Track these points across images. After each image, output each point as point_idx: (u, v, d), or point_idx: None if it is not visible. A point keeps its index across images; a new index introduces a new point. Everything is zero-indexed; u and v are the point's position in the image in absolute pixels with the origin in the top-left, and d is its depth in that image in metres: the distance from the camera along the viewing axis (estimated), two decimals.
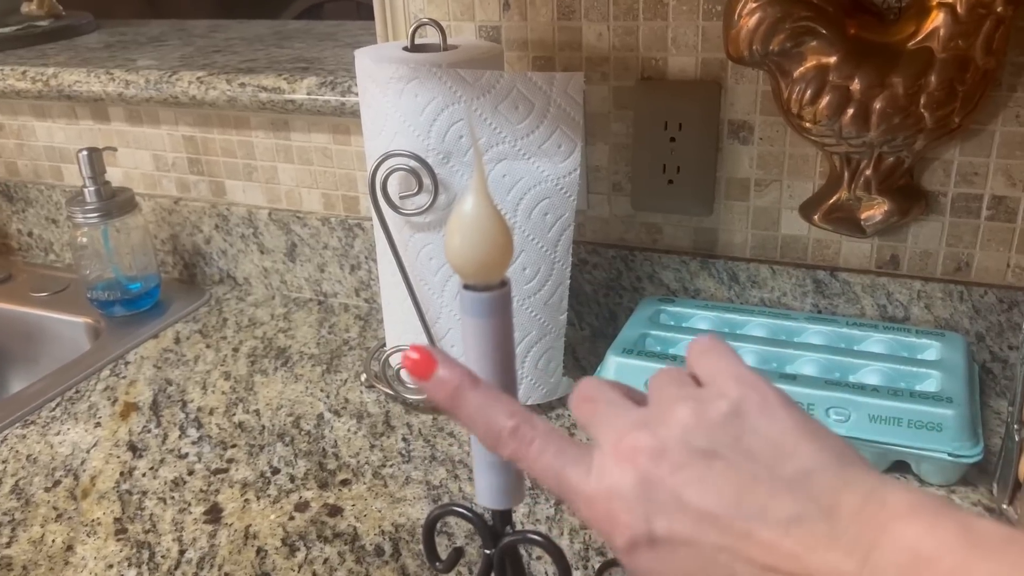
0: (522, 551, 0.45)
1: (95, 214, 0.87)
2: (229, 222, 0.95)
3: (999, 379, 0.69)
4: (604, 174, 0.76)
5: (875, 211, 0.66)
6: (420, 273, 0.67)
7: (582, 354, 0.80)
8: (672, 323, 0.73)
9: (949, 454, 0.58)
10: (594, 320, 0.82)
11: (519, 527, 0.56)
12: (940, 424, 0.58)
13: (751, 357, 0.67)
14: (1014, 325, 0.67)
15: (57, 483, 0.66)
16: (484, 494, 0.35)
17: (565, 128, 0.64)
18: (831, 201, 0.68)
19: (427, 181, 0.63)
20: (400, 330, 0.71)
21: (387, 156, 0.63)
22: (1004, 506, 0.57)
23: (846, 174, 0.66)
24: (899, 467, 0.61)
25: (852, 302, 0.71)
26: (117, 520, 0.62)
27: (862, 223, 0.67)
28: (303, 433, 0.71)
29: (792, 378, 0.63)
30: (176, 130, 0.94)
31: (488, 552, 0.36)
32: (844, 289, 0.71)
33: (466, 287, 0.32)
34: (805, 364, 0.66)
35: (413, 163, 0.63)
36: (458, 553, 0.38)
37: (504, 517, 0.36)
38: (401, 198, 0.65)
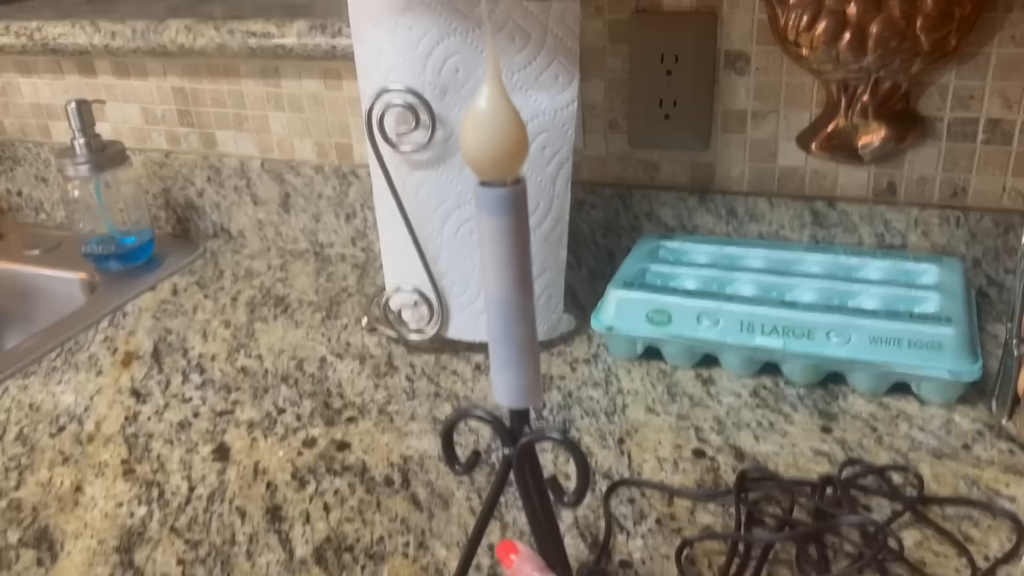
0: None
1: (86, 167, 0.86)
2: (221, 174, 0.94)
3: (995, 303, 0.70)
4: (600, 111, 0.76)
5: (872, 137, 0.67)
6: (419, 212, 0.67)
7: (581, 294, 0.80)
8: (671, 258, 0.73)
9: (949, 372, 0.58)
10: (592, 261, 0.82)
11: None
12: (940, 343, 0.59)
13: (750, 286, 0.68)
14: (1010, 248, 0.67)
15: (62, 429, 0.66)
16: (503, 394, 0.35)
17: (562, 59, 0.63)
18: (828, 129, 0.68)
19: (424, 117, 0.63)
20: (400, 272, 0.71)
21: (383, 92, 0.63)
22: (1004, 422, 0.58)
23: (843, 101, 0.66)
24: (900, 388, 0.62)
25: (850, 231, 0.72)
26: (124, 462, 0.62)
27: (859, 150, 0.67)
28: (306, 376, 0.71)
29: (792, 305, 0.63)
30: (164, 81, 0.93)
31: (507, 452, 0.36)
32: (842, 219, 0.72)
33: (482, 184, 0.32)
34: (804, 292, 0.66)
35: (409, 98, 0.63)
36: (476, 456, 0.39)
37: (521, 417, 0.36)
38: (398, 135, 0.64)
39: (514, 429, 0.36)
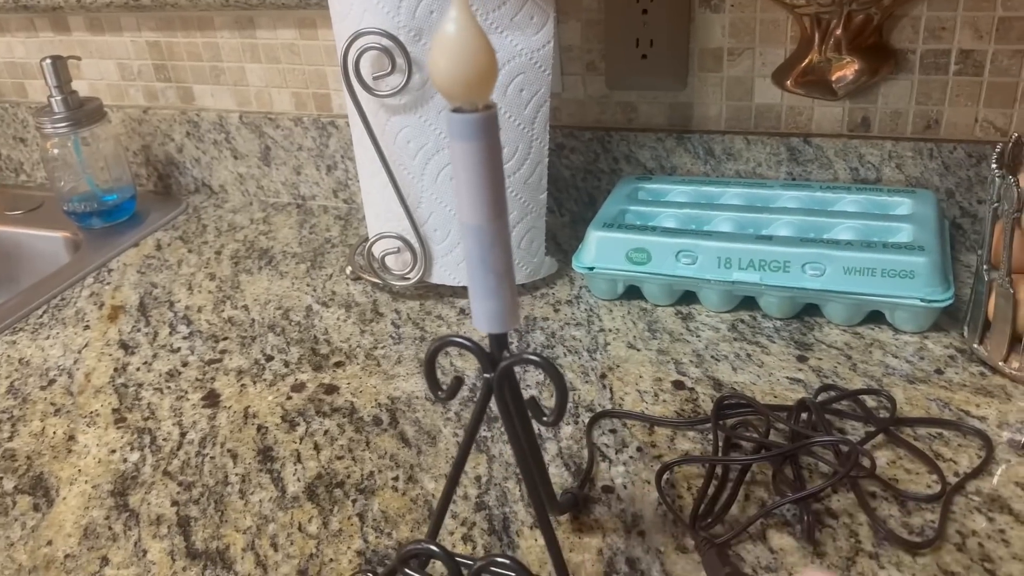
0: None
1: (64, 124, 0.86)
2: (200, 128, 0.94)
3: (968, 234, 0.71)
4: (577, 53, 0.76)
5: (845, 71, 0.67)
6: (399, 158, 0.67)
7: (563, 239, 0.81)
8: (650, 199, 0.74)
9: (922, 300, 0.60)
10: (573, 205, 0.83)
11: None
12: (912, 272, 0.60)
13: (727, 224, 0.69)
14: (982, 179, 0.69)
15: (52, 382, 0.67)
16: (481, 319, 0.36)
17: None
18: (803, 65, 0.68)
19: (400, 60, 0.63)
20: (383, 219, 0.72)
21: (357, 35, 0.63)
22: (975, 346, 0.59)
23: (816, 36, 0.67)
24: (874, 317, 0.63)
25: (825, 167, 0.73)
26: (115, 411, 0.63)
27: (833, 84, 0.68)
28: (293, 324, 0.72)
29: (768, 239, 0.64)
30: (139, 36, 0.92)
31: (488, 376, 0.37)
32: (817, 155, 0.72)
33: (454, 110, 0.32)
34: (781, 227, 0.67)
35: (384, 41, 0.63)
36: (458, 382, 0.40)
37: (500, 342, 0.37)
38: (375, 79, 0.64)
39: (494, 354, 0.37)
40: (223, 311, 0.74)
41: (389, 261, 0.72)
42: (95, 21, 0.93)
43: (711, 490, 0.49)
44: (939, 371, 0.58)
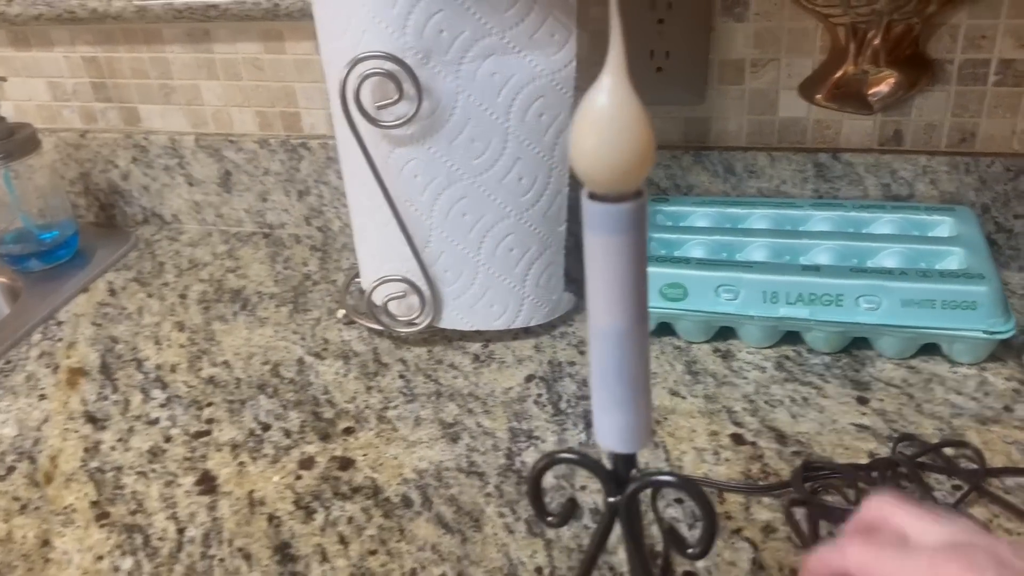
0: None
1: None
2: (149, 153, 0.84)
3: (1004, 250, 0.68)
4: (584, 66, 0.69)
5: (883, 84, 0.63)
6: (404, 193, 0.60)
7: (572, 265, 0.74)
8: (670, 223, 0.69)
9: (984, 332, 0.56)
10: (579, 228, 0.77)
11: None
12: (975, 303, 0.56)
13: (762, 251, 0.64)
14: (1020, 193, 0.65)
15: (11, 469, 0.57)
16: (610, 437, 0.30)
17: (558, 14, 0.56)
18: (835, 77, 0.64)
19: (407, 86, 0.56)
20: (381, 259, 0.64)
21: (358, 60, 0.55)
22: None
23: (852, 47, 0.62)
24: (928, 349, 0.59)
25: (855, 184, 0.68)
26: (95, 504, 0.54)
27: (869, 98, 0.63)
28: (286, 382, 0.63)
29: (816, 269, 0.59)
30: (74, 51, 0.81)
31: (612, 500, 0.31)
32: (846, 171, 0.68)
33: (592, 197, 0.26)
34: (820, 253, 0.63)
35: (389, 66, 0.55)
36: (572, 505, 0.33)
37: (628, 461, 0.31)
38: (378, 108, 0.57)
39: (620, 474, 0.31)
40: (201, 369, 0.66)
41: (392, 305, 0.64)
42: (20, 35, 0.82)
43: None
44: (1008, 408, 0.55)
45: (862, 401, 0.56)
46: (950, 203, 0.67)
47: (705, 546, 0.30)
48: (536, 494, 0.33)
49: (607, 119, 0.24)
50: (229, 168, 0.83)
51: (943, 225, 0.64)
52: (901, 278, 0.57)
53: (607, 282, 0.27)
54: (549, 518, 0.33)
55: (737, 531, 0.48)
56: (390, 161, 0.59)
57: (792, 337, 0.62)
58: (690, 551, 0.31)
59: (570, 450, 0.32)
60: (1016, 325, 0.57)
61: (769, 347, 0.62)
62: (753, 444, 0.54)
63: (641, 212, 0.26)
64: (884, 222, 0.65)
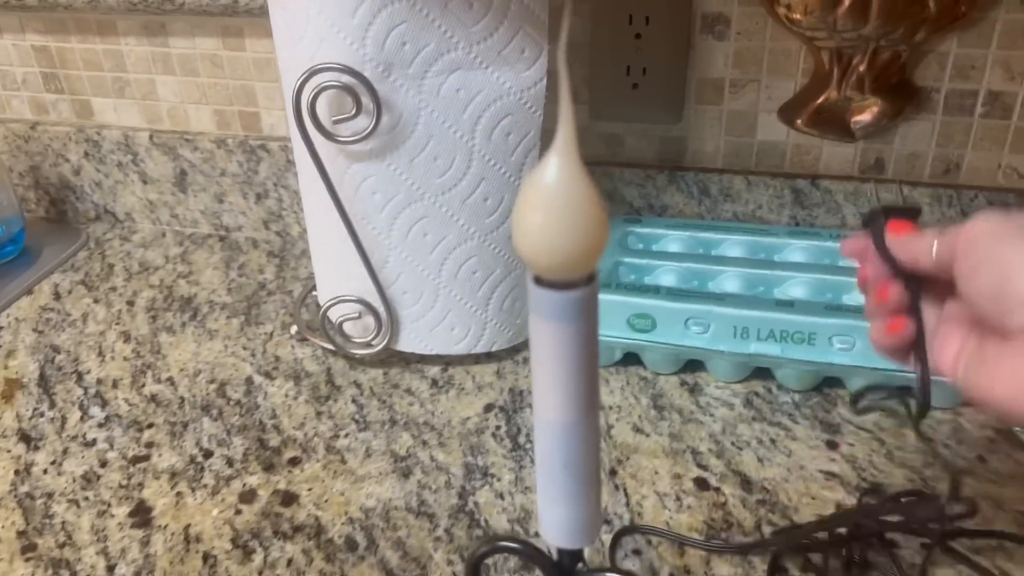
0: None
1: None
2: (101, 148, 0.80)
3: None
4: (556, 79, 0.67)
5: (867, 113, 0.60)
6: (361, 211, 0.57)
7: None
8: (641, 246, 0.66)
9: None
10: None
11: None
12: None
13: (734, 281, 0.61)
14: None
15: None
16: (555, 532, 0.27)
17: (528, 29, 0.53)
18: (817, 102, 0.61)
19: (366, 100, 0.52)
20: (337, 278, 0.61)
21: (313, 71, 0.52)
22: (1015, 429, 0.54)
23: (835, 72, 0.59)
24: (902, 391, 0.57)
25: (833, 212, 0.66)
26: (21, 534, 0.51)
27: (852, 126, 0.61)
28: (232, 403, 0.60)
29: (789, 305, 0.57)
30: (23, 39, 0.77)
31: None
32: (825, 198, 0.65)
33: (538, 282, 0.23)
34: (795, 286, 0.60)
35: (347, 79, 0.52)
36: None
37: (575, 555, 0.28)
38: (334, 122, 0.53)
39: (565, 568, 0.28)
40: (144, 386, 0.62)
41: (347, 327, 0.61)
42: None
43: None
44: (982, 458, 0.53)
45: (831, 446, 0.54)
46: None
47: None
48: None
49: (558, 202, 0.21)
50: (185, 167, 0.79)
51: None
52: None
53: (554, 372, 0.24)
54: None
55: None
56: (347, 177, 0.56)
57: (762, 372, 0.59)
58: None
59: (513, 539, 0.29)
60: None
61: (738, 382, 0.59)
62: (717, 490, 0.51)
63: (593, 299, 0.23)
64: None
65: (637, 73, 0.64)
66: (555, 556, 0.29)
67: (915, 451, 0.53)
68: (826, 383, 0.59)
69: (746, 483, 0.52)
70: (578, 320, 0.23)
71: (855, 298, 0.59)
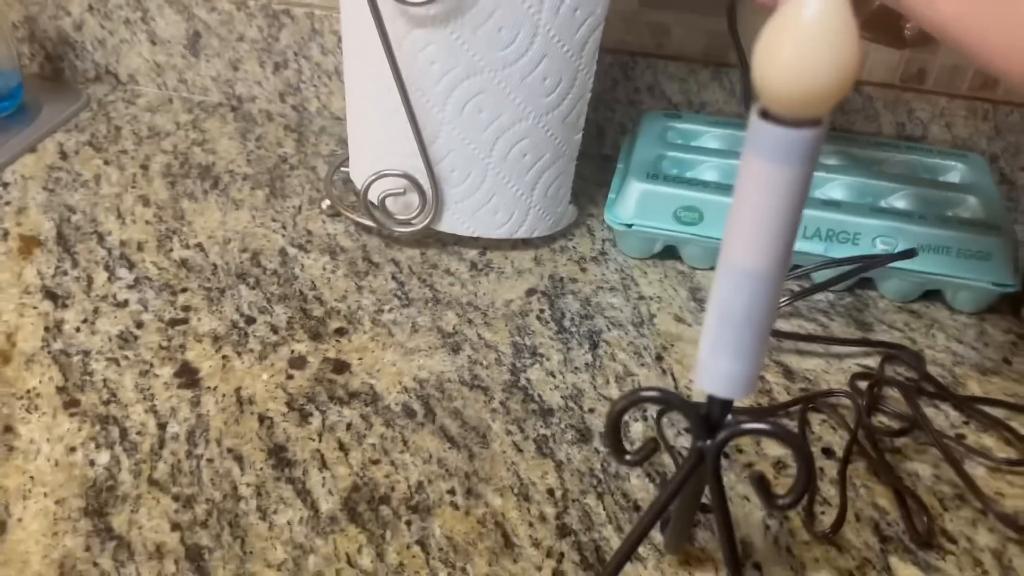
0: None
1: None
2: (107, 4, 0.75)
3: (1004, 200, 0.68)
4: None
5: None
6: (417, 81, 0.55)
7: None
8: (680, 141, 0.66)
9: (994, 283, 0.56)
10: (587, 139, 0.73)
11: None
12: (989, 253, 0.56)
13: None
14: None
15: None
16: (715, 379, 0.27)
17: None
18: (875, 6, 0.61)
19: None
20: (380, 150, 0.60)
21: None
22: None
23: None
24: (930, 295, 0.59)
25: (871, 119, 0.67)
26: (61, 389, 0.49)
27: (906, 31, 0.61)
28: (268, 273, 0.59)
29: (836, 205, 0.58)
30: None
31: (701, 444, 0.29)
32: (865, 105, 0.66)
33: (767, 117, 0.23)
34: (836, 188, 0.61)
35: None
36: (655, 444, 0.31)
37: (725, 406, 0.29)
38: None
39: (714, 418, 0.29)
40: (171, 251, 0.61)
41: (388, 202, 0.60)
42: None
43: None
44: (1007, 360, 0.55)
45: (866, 343, 0.56)
46: (961, 148, 0.66)
47: (796, 498, 0.29)
48: (615, 431, 0.30)
49: (814, 35, 0.21)
50: (199, 28, 0.75)
51: (954, 171, 0.63)
52: (920, 222, 0.56)
53: (760, 218, 0.24)
54: (628, 455, 0.31)
55: (748, 465, 0.47)
56: (405, 44, 0.54)
57: (797, 270, 0.60)
58: (780, 502, 0.30)
59: (656, 388, 0.29)
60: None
61: None
62: (761, 378, 0.53)
63: (819, 143, 0.23)
64: (896, 162, 0.64)
65: None
66: (702, 409, 0.29)
67: (944, 350, 0.55)
68: (858, 284, 0.60)
69: (788, 372, 0.53)
70: (803, 163, 0.23)
71: (892, 203, 0.60)
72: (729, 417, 0.29)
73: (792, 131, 0.23)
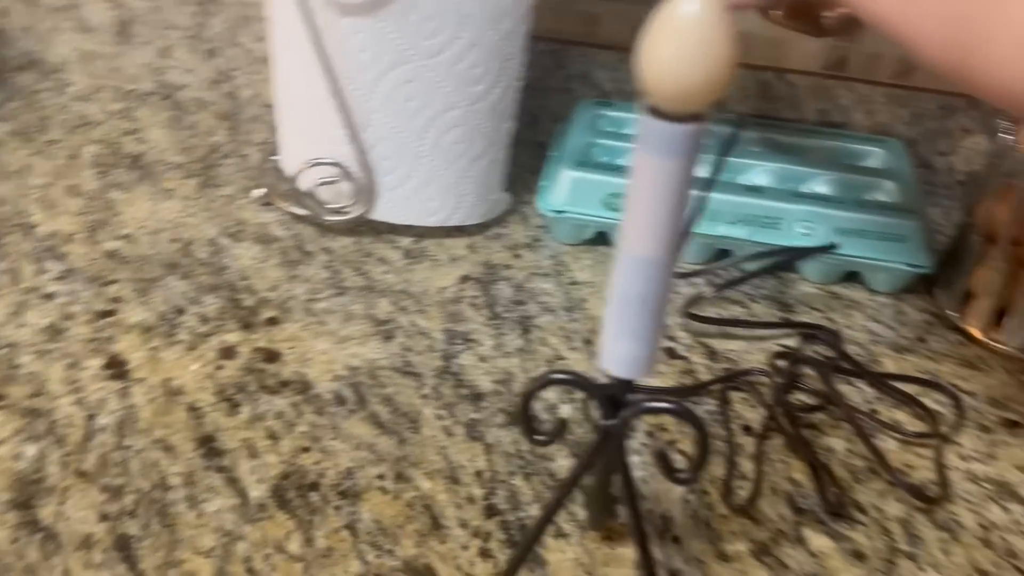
0: None
1: None
2: None
3: (921, 184, 0.70)
4: None
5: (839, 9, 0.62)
6: (346, 70, 0.55)
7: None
8: (611, 129, 0.67)
9: (908, 265, 0.58)
10: (521, 127, 0.74)
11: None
12: (904, 236, 0.58)
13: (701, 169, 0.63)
14: (948, 132, 0.67)
15: None
16: (616, 361, 0.29)
17: None
18: None
19: None
20: (309, 139, 0.60)
21: None
22: (950, 312, 0.59)
23: None
24: (849, 276, 0.61)
25: (795, 106, 0.69)
26: None
27: (822, 20, 0.63)
28: (199, 263, 0.59)
29: (758, 190, 0.60)
30: None
31: (606, 423, 0.30)
32: (789, 92, 0.68)
33: (654, 112, 0.24)
34: (759, 174, 0.63)
35: None
36: (563, 425, 0.32)
37: (627, 385, 0.30)
38: None
39: (618, 397, 0.30)
40: (100, 242, 0.60)
41: (324, 191, 0.60)
42: None
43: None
44: (922, 339, 0.58)
45: (787, 324, 0.58)
46: (881, 135, 0.68)
47: (694, 469, 0.30)
48: (526, 411, 0.32)
49: (693, 31, 0.22)
50: (126, 16, 0.74)
51: (872, 156, 0.65)
52: (839, 206, 0.58)
53: (650, 209, 0.25)
54: (536, 436, 0.32)
55: (671, 443, 0.49)
56: (334, 32, 0.54)
57: (723, 255, 0.62)
58: (680, 475, 0.31)
59: (565, 371, 0.31)
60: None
61: (700, 263, 0.62)
62: (685, 359, 0.54)
63: (701, 137, 0.24)
64: (818, 148, 0.66)
65: None
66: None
67: (861, 330, 0.58)
68: (780, 267, 0.62)
69: (711, 354, 0.55)
70: (686, 157, 0.24)
71: (812, 187, 0.62)
72: (632, 396, 0.30)
73: (675, 126, 0.24)
